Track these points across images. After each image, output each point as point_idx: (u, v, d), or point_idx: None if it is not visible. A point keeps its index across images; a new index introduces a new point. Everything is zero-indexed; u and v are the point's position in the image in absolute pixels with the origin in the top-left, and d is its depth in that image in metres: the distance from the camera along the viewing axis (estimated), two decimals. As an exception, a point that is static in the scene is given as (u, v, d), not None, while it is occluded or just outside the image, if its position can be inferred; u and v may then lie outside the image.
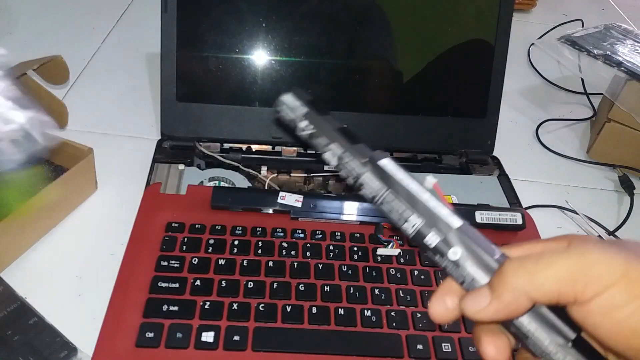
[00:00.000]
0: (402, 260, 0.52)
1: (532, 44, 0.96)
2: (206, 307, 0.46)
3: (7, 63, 0.54)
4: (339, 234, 0.54)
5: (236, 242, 0.52)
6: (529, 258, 0.24)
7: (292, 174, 0.63)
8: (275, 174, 0.63)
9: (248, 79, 0.61)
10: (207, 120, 0.62)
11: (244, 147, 0.64)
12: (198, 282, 0.48)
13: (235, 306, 0.46)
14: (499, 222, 0.55)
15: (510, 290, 0.24)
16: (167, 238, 0.51)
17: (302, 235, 0.54)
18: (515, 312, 0.24)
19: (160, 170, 0.59)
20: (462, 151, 0.66)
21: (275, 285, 0.48)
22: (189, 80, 0.61)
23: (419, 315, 0.47)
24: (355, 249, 0.53)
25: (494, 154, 0.67)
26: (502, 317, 0.24)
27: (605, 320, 0.23)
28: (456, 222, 0.26)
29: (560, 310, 0.24)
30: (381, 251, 0.52)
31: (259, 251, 0.51)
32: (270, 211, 0.54)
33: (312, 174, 0.63)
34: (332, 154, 0.30)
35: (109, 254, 0.52)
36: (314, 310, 0.47)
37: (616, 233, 0.63)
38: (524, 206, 0.62)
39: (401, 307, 0.48)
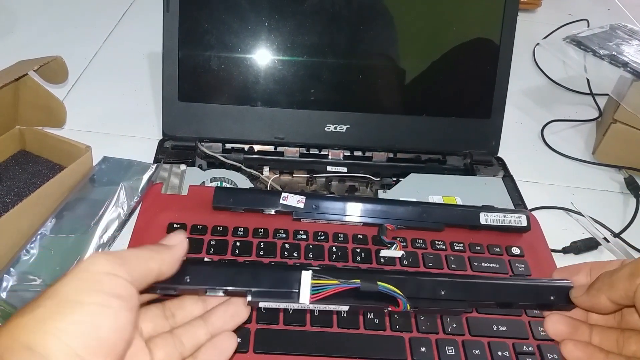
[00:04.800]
0: (405, 262, 0.52)
1: (537, 44, 0.95)
2: (207, 309, 0.45)
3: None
4: (341, 235, 0.54)
5: (238, 243, 0.51)
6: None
7: (294, 175, 0.63)
8: (278, 175, 0.62)
9: (250, 79, 0.60)
10: (209, 120, 0.61)
11: (246, 147, 0.64)
12: (199, 284, 0.47)
13: (236, 308, 0.46)
14: (503, 224, 0.55)
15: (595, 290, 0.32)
16: (168, 239, 0.51)
17: (304, 236, 0.53)
18: (597, 306, 0.32)
19: (162, 170, 0.59)
20: (467, 152, 0.65)
21: (277, 287, 0.48)
22: (191, 80, 0.60)
23: (422, 317, 0.47)
24: (358, 250, 0.52)
25: (499, 154, 0.66)
26: (587, 306, 0.33)
27: None
28: None
29: None
30: (384, 253, 0.52)
31: (261, 252, 0.51)
32: (273, 212, 0.54)
33: (314, 175, 0.62)
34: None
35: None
36: (316, 312, 0.46)
37: (622, 235, 0.62)
38: (528, 207, 0.61)
39: (404, 310, 0.47)
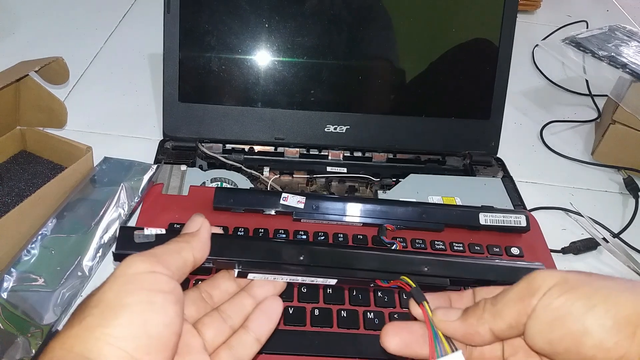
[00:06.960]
0: (405, 262, 0.52)
1: (537, 45, 0.96)
2: (208, 309, 0.45)
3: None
4: (341, 235, 0.54)
5: (238, 244, 0.51)
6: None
7: (294, 175, 0.63)
8: (278, 175, 0.62)
9: (251, 80, 0.61)
10: (209, 120, 0.61)
11: (247, 147, 0.64)
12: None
13: (237, 308, 0.46)
14: (503, 224, 0.55)
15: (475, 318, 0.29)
16: (168, 239, 0.51)
17: (304, 236, 0.53)
18: (473, 339, 0.29)
19: (162, 171, 0.59)
20: (466, 152, 0.65)
21: (277, 287, 0.48)
22: (192, 81, 0.60)
23: (422, 318, 0.47)
24: (358, 250, 0.53)
25: (498, 155, 0.66)
26: (460, 335, 0.29)
27: (546, 318, 0.26)
28: None
29: None
30: (384, 253, 0.52)
31: (261, 253, 0.51)
32: (273, 212, 0.54)
33: (314, 175, 0.63)
34: None
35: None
36: (317, 312, 0.46)
37: (621, 235, 0.62)
38: (528, 208, 0.62)
39: (404, 309, 0.48)
